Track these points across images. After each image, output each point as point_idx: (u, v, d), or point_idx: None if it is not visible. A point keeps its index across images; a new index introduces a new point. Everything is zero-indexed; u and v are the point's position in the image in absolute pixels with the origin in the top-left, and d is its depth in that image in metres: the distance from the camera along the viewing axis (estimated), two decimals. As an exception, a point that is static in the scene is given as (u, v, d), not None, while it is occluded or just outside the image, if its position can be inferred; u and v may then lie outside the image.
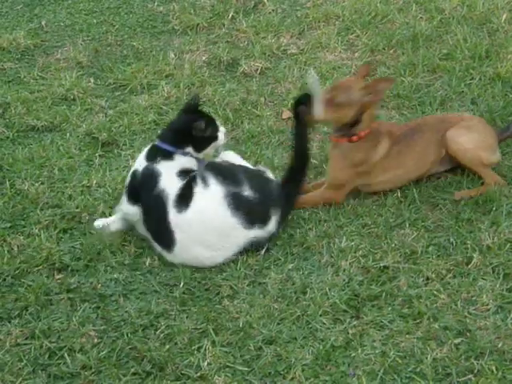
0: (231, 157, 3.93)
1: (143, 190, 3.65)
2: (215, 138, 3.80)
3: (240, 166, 3.84)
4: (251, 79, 4.97)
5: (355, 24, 5.32)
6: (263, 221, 3.60)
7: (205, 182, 3.60)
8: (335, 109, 3.73)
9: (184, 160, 3.70)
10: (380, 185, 3.86)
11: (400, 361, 3.01)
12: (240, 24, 5.52)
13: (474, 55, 4.83)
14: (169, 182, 3.60)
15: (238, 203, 3.55)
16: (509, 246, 3.47)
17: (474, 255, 3.43)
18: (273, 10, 5.65)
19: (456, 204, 3.74)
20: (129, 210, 3.69)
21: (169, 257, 3.60)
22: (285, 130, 4.44)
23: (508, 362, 2.96)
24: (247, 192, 3.60)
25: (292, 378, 2.99)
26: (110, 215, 3.84)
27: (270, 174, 3.81)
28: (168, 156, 3.68)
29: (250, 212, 3.56)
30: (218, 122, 3.87)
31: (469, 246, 3.49)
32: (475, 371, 2.93)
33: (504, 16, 5.19)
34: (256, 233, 3.58)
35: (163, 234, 3.57)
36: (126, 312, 3.32)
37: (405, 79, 4.72)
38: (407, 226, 3.65)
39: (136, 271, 3.56)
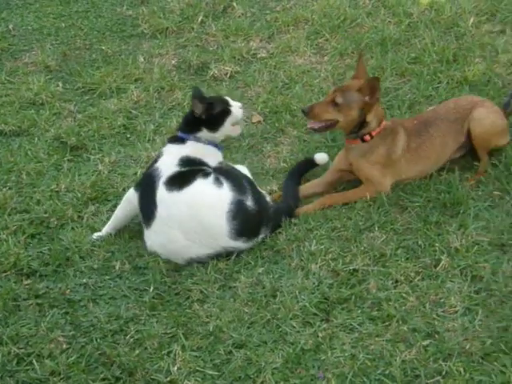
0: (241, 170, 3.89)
1: (146, 168, 3.83)
2: (228, 112, 3.81)
3: (246, 176, 3.81)
4: (221, 83, 4.96)
5: (324, 28, 5.34)
6: (251, 235, 3.61)
7: (218, 181, 3.61)
8: (336, 110, 3.81)
9: (195, 147, 3.74)
10: (410, 179, 3.91)
11: (369, 363, 3.02)
12: (209, 28, 5.52)
13: (441, 59, 4.87)
14: (165, 162, 3.67)
15: (237, 212, 3.56)
16: (476, 248, 3.50)
17: (442, 257, 3.45)
18: (242, 14, 5.66)
19: (424, 207, 3.76)
20: (130, 193, 3.75)
21: (148, 235, 3.62)
22: (254, 134, 4.45)
23: (475, 363, 2.98)
24: (249, 202, 3.61)
25: (262, 382, 2.98)
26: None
27: (268, 199, 3.80)
28: (179, 142, 3.76)
29: (243, 224, 3.56)
30: (228, 98, 3.88)
31: (437, 248, 3.51)
32: (443, 373, 2.95)
33: (471, 20, 5.24)
34: (239, 245, 3.58)
35: (148, 208, 3.61)
36: (95, 317, 3.31)
37: (373, 83, 4.74)
38: (376, 229, 3.66)
39: (105, 276, 3.54)
